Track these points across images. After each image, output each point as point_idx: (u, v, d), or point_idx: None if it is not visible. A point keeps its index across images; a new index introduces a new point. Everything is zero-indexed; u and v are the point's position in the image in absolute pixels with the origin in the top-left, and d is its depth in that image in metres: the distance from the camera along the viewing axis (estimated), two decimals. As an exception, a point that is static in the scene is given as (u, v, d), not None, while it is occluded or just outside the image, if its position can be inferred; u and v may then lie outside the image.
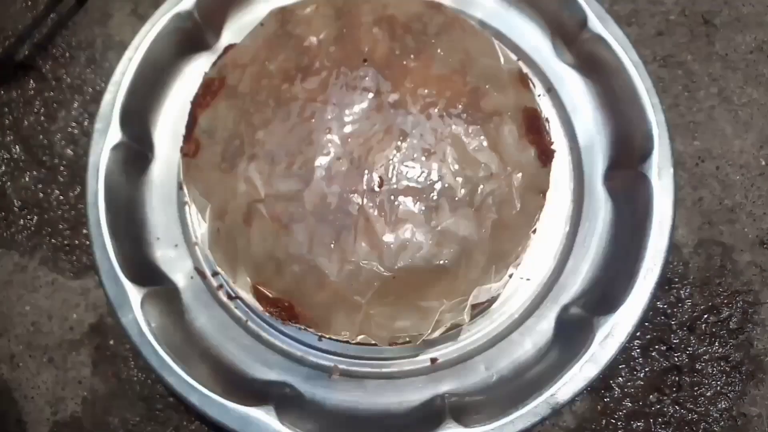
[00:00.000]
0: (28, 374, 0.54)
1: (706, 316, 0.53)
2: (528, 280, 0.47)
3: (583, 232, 0.47)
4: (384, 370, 0.46)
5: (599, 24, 0.46)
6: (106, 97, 0.47)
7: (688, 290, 0.53)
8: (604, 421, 0.51)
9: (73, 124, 0.59)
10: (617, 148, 0.48)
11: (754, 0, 0.60)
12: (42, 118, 0.59)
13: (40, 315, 0.56)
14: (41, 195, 0.58)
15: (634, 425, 0.51)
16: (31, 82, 0.60)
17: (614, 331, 0.41)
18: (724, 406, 0.51)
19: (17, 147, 0.59)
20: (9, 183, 0.58)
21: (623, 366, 0.52)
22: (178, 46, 0.50)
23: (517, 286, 0.47)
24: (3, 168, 0.58)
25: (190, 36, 0.50)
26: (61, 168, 0.58)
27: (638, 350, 0.52)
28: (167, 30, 0.48)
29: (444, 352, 0.46)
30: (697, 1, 0.60)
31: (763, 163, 0.56)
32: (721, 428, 0.51)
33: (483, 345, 0.46)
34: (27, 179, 0.58)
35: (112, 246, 0.44)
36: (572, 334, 0.44)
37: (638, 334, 0.52)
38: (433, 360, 0.46)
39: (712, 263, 0.54)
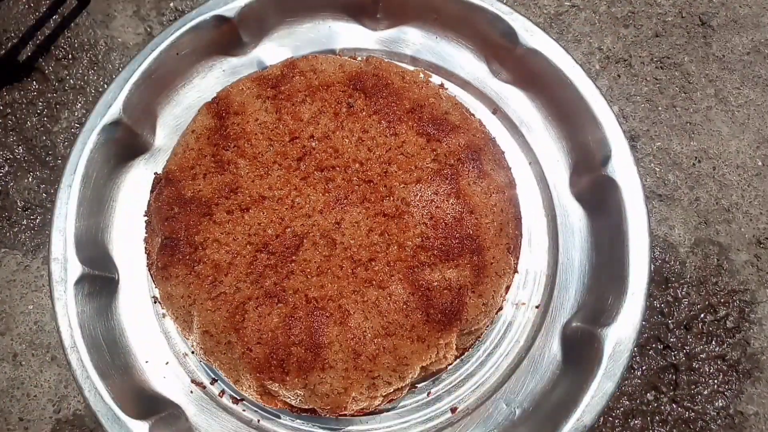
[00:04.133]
0: (31, 372, 0.54)
1: (702, 315, 0.53)
2: (524, 304, 0.47)
3: (564, 244, 0.47)
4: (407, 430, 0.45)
5: (529, 37, 0.47)
6: (55, 235, 0.44)
7: (684, 289, 0.54)
8: (601, 419, 0.51)
9: (76, 125, 0.59)
10: (576, 154, 0.48)
11: (750, 1, 0.60)
12: (45, 119, 0.60)
13: (42, 314, 0.56)
14: (44, 195, 0.59)
15: (632, 423, 0.51)
16: (34, 83, 0.60)
17: (620, 340, 0.41)
18: (721, 404, 0.52)
19: (20, 148, 0.59)
20: (12, 183, 0.58)
21: (621, 364, 0.52)
22: (115, 158, 0.48)
23: (515, 313, 0.47)
24: (6, 168, 0.59)
25: (125, 143, 0.48)
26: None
27: (635, 349, 0.52)
28: (100, 145, 0.46)
29: (462, 398, 0.45)
30: (694, 3, 0.60)
31: (760, 163, 0.56)
32: (718, 426, 0.51)
33: (498, 380, 0.46)
34: (30, 180, 0.59)
35: (104, 387, 0.41)
36: (580, 351, 0.43)
37: (636, 332, 0.52)
38: (453, 409, 0.45)
39: (708, 262, 0.54)
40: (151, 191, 0.45)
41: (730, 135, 0.57)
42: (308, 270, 0.40)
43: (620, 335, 0.41)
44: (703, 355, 0.52)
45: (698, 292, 0.54)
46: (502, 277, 0.41)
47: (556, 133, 0.49)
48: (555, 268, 0.47)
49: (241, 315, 0.39)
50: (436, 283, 0.39)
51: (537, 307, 0.47)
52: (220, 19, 0.48)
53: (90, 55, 0.61)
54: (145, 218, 0.46)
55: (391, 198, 0.41)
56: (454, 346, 0.40)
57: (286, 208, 0.41)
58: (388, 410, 0.44)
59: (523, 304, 0.47)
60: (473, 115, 0.46)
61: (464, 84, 0.51)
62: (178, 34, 0.48)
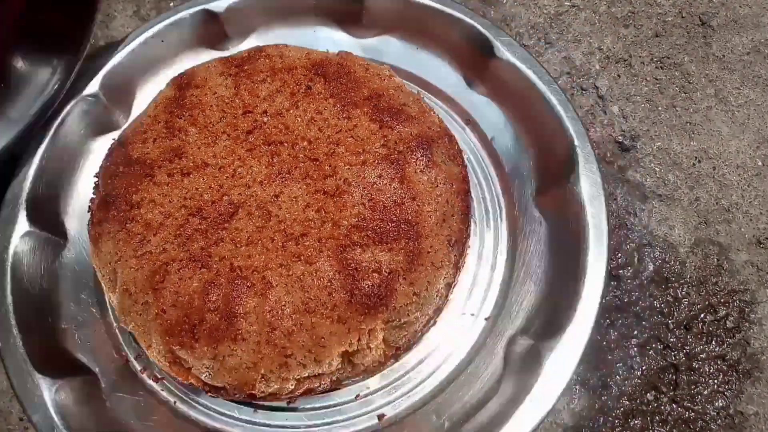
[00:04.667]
0: (31, 373, 0.55)
1: (702, 315, 0.53)
2: (473, 315, 0.45)
3: (521, 257, 0.46)
4: None
5: (505, 50, 0.47)
6: (14, 184, 0.45)
7: (684, 289, 0.54)
8: (601, 419, 0.51)
9: (76, 124, 0.59)
10: (543, 168, 0.48)
11: (750, 1, 0.60)
12: (45, 118, 0.60)
13: (42, 314, 0.56)
14: (44, 195, 0.59)
15: (632, 423, 0.51)
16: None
17: (562, 357, 0.39)
18: (721, 404, 0.52)
19: (20, 147, 0.59)
20: (12, 183, 0.58)
21: (620, 364, 0.52)
22: (87, 129, 0.49)
23: (462, 324, 0.45)
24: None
25: (99, 117, 0.49)
26: (64, 168, 0.58)
27: (635, 348, 0.52)
28: (75, 114, 0.47)
29: (392, 405, 0.43)
30: (694, 3, 0.60)
31: (760, 163, 0.56)
32: (718, 426, 0.51)
33: (432, 392, 0.43)
34: (30, 179, 0.59)
35: (21, 339, 0.41)
36: (521, 365, 0.42)
37: (635, 333, 0.52)
38: (380, 416, 0.43)
39: (708, 262, 0.54)
40: (106, 155, 0.45)
41: (730, 135, 0.57)
42: (238, 239, 0.39)
43: (562, 354, 0.40)
44: (703, 355, 0.52)
45: (698, 292, 0.54)
46: (440, 270, 0.40)
47: (525, 145, 0.49)
48: (510, 281, 0.46)
49: (161, 276, 0.38)
50: (365, 264, 0.38)
51: (487, 319, 0.45)
52: (209, 14, 0.49)
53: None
54: (95, 179, 0.46)
55: (334, 177, 0.40)
56: (381, 338, 0.38)
57: (227, 177, 0.41)
58: (297, 409, 0.42)
59: (472, 314, 0.46)
60: (434, 112, 0.46)
61: (440, 94, 0.52)
62: (167, 22, 0.49)
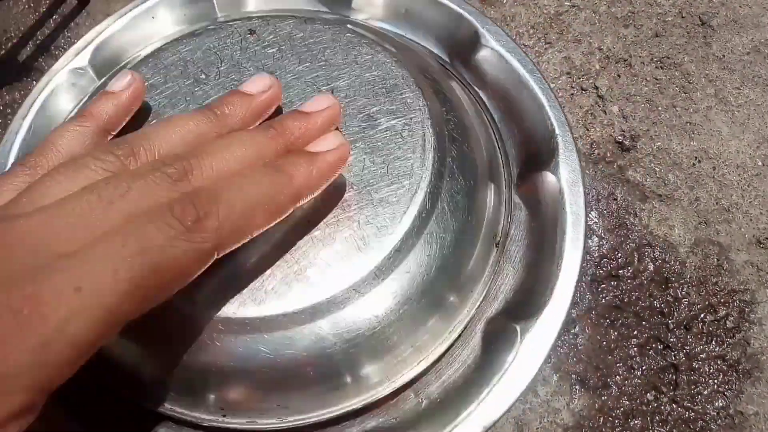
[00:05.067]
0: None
1: (702, 315, 0.53)
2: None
3: (502, 241, 0.46)
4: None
5: (491, 38, 0.48)
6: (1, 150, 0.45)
7: (684, 289, 0.54)
8: (601, 419, 0.51)
9: (76, 124, 0.59)
10: (524, 155, 0.48)
11: (750, 1, 0.60)
12: (44, 118, 0.60)
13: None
14: (44, 195, 0.59)
15: (632, 423, 0.51)
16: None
17: (538, 338, 0.40)
18: (721, 404, 0.52)
19: (20, 147, 0.59)
20: (12, 183, 0.59)
21: (620, 364, 0.52)
22: (76, 102, 0.48)
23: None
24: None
25: (88, 91, 0.48)
26: (64, 168, 0.58)
27: (635, 348, 0.52)
28: (63, 87, 0.47)
29: None
30: (694, 3, 0.60)
31: (760, 163, 0.56)
32: (718, 426, 0.51)
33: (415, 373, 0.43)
34: (29, 179, 0.59)
35: None
36: (498, 346, 0.42)
37: (635, 333, 0.52)
38: None
39: (708, 262, 0.54)
40: None
41: (730, 135, 0.57)
42: None
43: (538, 335, 0.40)
44: (703, 355, 0.52)
45: (698, 292, 0.54)
46: None
47: (507, 133, 0.50)
48: (492, 265, 0.48)
49: None
50: None
51: (467, 303, 0.47)
52: None
53: (90, 55, 0.61)
54: None
55: None
56: None
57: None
58: None
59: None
60: None
61: None
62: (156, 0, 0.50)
